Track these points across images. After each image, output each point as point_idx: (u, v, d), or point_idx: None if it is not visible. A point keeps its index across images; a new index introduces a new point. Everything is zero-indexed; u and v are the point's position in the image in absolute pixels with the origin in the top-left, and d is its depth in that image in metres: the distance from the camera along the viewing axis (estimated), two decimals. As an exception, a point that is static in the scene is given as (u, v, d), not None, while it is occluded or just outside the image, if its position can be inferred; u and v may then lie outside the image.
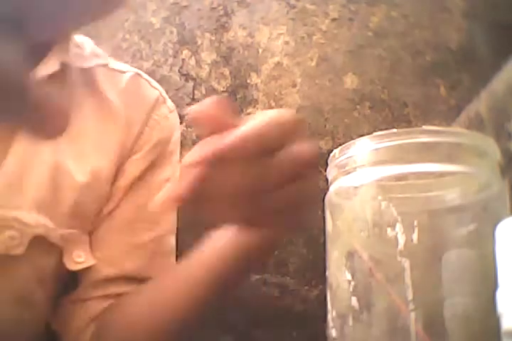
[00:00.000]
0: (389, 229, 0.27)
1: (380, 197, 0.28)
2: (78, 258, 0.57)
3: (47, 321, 0.59)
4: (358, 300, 0.28)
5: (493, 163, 0.31)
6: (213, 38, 0.88)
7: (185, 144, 0.77)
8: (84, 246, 0.58)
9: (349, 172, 0.31)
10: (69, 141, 0.57)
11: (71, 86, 0.59)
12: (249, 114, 0.86)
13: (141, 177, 0.62)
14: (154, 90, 0.67)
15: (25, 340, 0.56)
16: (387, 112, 0.84)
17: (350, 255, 0.29)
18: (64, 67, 0.57)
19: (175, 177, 0.66)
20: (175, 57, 0.89)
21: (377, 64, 0.86)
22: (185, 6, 0.90)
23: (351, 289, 0.28)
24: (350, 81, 0.86)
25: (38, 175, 0.54)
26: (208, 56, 0.88)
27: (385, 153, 0.29)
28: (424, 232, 0.27)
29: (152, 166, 0.63)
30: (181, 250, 0.67)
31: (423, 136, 0.29)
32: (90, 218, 0.59)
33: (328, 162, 0.32)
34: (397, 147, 0.29)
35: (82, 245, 0.58)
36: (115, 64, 0.66)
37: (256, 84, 0.87)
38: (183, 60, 0.89)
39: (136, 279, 0.60)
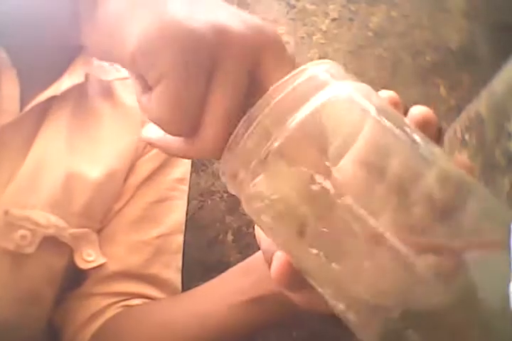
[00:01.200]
0: (313, 186, 0.27)
1: (293, 165, 0.28)
2: (88, 257, 0.58)
3: (49, 316, 0.60)
4: (338, 263, 0.27)
5: None
6: (213, 38, 0.88)
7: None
8: (94, 245, 0.59)
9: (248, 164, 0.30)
10: (86, 144, 0.58)
11: (91, 94, 0.60)
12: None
13: (150, 177, 0.63)
14: None
15: (28, 335, 0.57)
16: (387, 112, 0.84)
17: (301, 230, 0.28)
18: (87, 78, 0.58)
19: (187, 177, 0.67)
20: (175, 57, 0.89)
21: (377, 64, 0.86)
22: (185, 6, 0.90)
23: (324, 259, 0.27)
24: (350, 81, 0.86)
25: (54, 176, 0.55)
26: (207, 56, 0.88)
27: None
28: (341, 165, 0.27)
29: (162, 166, 0.64)
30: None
31: None
32: (100, 217, 0.60)
33: None
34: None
35: (92, 243, 0.59)
36: None
37: (256, 84, 0.87)
38: (183, 59, 0.89)
39: (140, 277, 0.61)
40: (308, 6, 0.88)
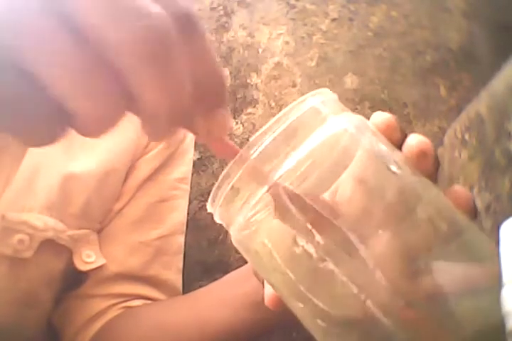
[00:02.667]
0: (296, 249, 0.27)
1: (262, 223, 0.28)
2: (88, 259, 0.58)
3: (49, 317, 0.59)
4: (323, 320, 0.27)
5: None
6: (213, 38, 0.88)
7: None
8: (93, 246, 0.58)
9: (231, 220, 0.29)
10: (83, 144, 0.57)
11: None
12: (249, 114, 0.86)
13: (151, 177, 0.62)
14: None
15: (26, 336, 0.56)
16: (387, 112, 0.84)
17: (286, 286, 0.28)
18: None
19: (188, 177, 0.66)
20: (175, 57, 0.89)
21: (377, 64, 0.86)
22: (185, 6, 0.90)
23: (310, 314, 0.28)
24: (350, 81, 0.86)
25: (51, 178, 0.54)
26: (208, 56, 0.88)
27: (239, 187, 0.28)
28: (321, 229, 0.27)
29: (164, 165, 0.63)
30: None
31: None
32: (100, 217, 0.59)
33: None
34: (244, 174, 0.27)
35: (91, 244, 0.58)
36: None
37: (256, 84, 0.87)
38: (183, 60, 0.89)
39: (141, 278, 0.60)
40: (308, 6, 0.88)
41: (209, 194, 0.29)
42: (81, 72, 0.22)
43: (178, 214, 0.65)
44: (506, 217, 0.27)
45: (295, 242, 0.27)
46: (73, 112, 0.23)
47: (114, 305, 0.59)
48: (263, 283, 0.34)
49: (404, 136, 0.32)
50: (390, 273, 0.26)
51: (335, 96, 0.30)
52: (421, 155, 0.30)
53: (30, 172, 0.53)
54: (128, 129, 0.60)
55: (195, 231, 0.79)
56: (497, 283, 0.24)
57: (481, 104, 0.54)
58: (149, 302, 0.60)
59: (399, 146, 0.31)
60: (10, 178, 0.53)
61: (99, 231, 0.60)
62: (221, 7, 0.89)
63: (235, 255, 0.81)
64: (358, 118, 0.29)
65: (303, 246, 0.27)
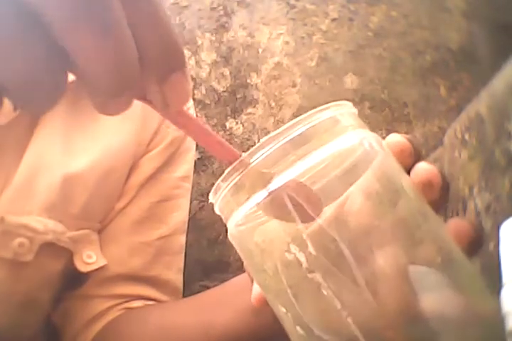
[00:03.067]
0: (287, 254, 0.27)
1: (260, 224, 0.28)
2: (89, 259, 0.57)
3: (48, 316, 0.59)
4: (303, 328, 0.27)
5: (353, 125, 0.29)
6: (213, 38, 0.88)
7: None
8: (94, 246, 0.58)
9: (229, 214, 0.29)
10: (83, 143, 0.56)
11: None
12: (249, 114, 0.86)
13: (154, 175, 0.62)
14: None
15: (25, 337, 0.56)
16: (387, 112, 0.84)
17: (272, 288, 0.28)
18: None
19: (190, 175, 0.66)
20: (175, 57, 0.89)
21: (377, 64, 0.86)
22: (185, 6, 0.90)
23: (291, 320, 0.28)
24: (350, 81, 0.86)
25: (50, 179, 0.54)
26: (207, 56, 0.88)
27: (244, 184, 0.28)
28: (317, 240, 0.27)
29: (166, 164, 0.63)
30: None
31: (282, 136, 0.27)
32: (100, 217, 0.59)
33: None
34: (250, 172, 0.27)
35: (92, 245, 0.57)
36: None
37: (256, 84, 0.87)
38: (183, 60, 0.89)
39: (142, 279, 0.60)
40: (308, 6, 0.88)
41: (209, 194, 0.30)
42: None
43: (180, 213, 0.64)
44: (506, 217, 0.27)
45: (288, 248, 0.27)
46: (73, 52, 0.21)
47: (115, 305, 0.59)
48: (252, 281, 0.34)
49: (416, 160, 0.31)
50: (378, 293, 0.26)
51: (355, 110, 0.30)
52: (427, 184, 0.30)
53: (30, 173, 0.53)
54: (129, 127, 0.60)
55: (195, 231, 0.79)
56: (480, 320, 0.25)
57: (481, 104, 0.54)
58: (150, 302, 0.60)
59: (408, 170, 0.31)
60: (9, 179, 0.52)
61: (99, 231, 0.59)
62: (221, 7, 0.89)
63: (235, 255, 0.81)
64: (374, 136, 0.29)
65: (295, 254, 0.27)
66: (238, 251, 0.30)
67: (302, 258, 0.26)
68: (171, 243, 0.63)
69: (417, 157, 0.32)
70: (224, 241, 0.82)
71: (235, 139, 0.85)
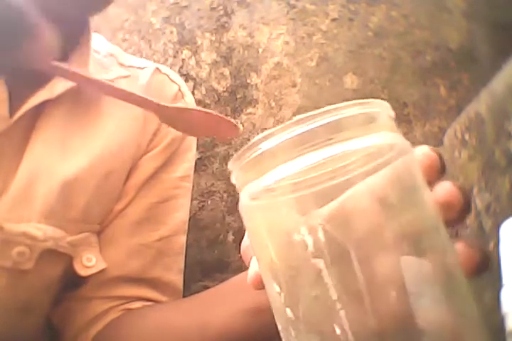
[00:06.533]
0: (295, 234, 0.27)
1: (283, 207, 0.27)
2: (88, 262, 0.56)
3: (48, 318, 0.59)
4: (292, 311, 0.27)
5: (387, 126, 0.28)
6: (213, 38, 0.88)
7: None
8: (94, 248, 0.57)
9: (245, 184, 0.29)
10: (81, 147, 0.55)
11: (89, 95, 0.57)
12: (249, 114, 0.86)
13: (154, 176, 0.61)
14: (173, 85, 0.65)
15: (26, 339, 0.56)
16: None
17: (271, 267, 0.28)
18: None
19: (190, 174, 0.66)
20: (175, 57, 0.89)
21: (377, 64, 0.86)
22: (185, 6, 0.90)
23: (283, 300, 0.27)
24: (350, 81, 0.86)
25: (49, 185, 0.53)
26: (208, 56, 0.88)
27: (267, 157, 0.27)
28: (330, 228, 0.26)
29: (166, 164, 0.62)
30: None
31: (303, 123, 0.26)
32: (99, 219, 0.58)
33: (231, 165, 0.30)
34: (276, 147, 0.26)
35: (92, 247, 0.57)
36: (131, 60, 0.65)
37: (256, 84, 0.87)
38: (183, 60, 0.89)
39: (141, 280, 0.60)
40: (308, 6, 0.88)
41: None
42: None
43: (180, 213, 0.64)
44: (506, 217, 0.27)
45: (298, 229, 0.26)
46: None
47: (114, 307, 0.59)
48: (249, 264, 0.33)
49: (440, 177, 0.31)
50: (376, 297, 0.26)
51: (393, 113, 0.29)
52: (445, 205, 0.29)
53: (28, 180, 0.52)
54: (128, 128, 0.59)
55: (195, 231, 0.79)
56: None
57: (481, 104, 0.54)
58: (149, 303, 0.60)
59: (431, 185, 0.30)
60: (6, 187, 0.51)
61: (99, 233, 0.59)
62: (221, 7, 0.89)
63: (234, 255, 0.81)
64: (407, 144, 0.28)
65: (303, 236, 0.26)
66: (245, 223, 0.30)
67: (310, 241, 0.26)
68: (171, 244, 0.62)
69: (442, 174, 0.31)
70: (224, 241, 0.82)
71: (235, 139, 0.85)
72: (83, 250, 0.56)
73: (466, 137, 0.57)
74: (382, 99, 0.28)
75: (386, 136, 0.27)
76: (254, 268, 0.32)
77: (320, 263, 0.26)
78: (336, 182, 0.26)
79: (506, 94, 0.50)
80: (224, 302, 0.54)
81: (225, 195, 0.81)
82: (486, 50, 0.86)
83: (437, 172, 0.30)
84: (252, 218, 0.29)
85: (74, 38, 0.54)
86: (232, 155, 0.85)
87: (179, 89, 0.65)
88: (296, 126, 0.26)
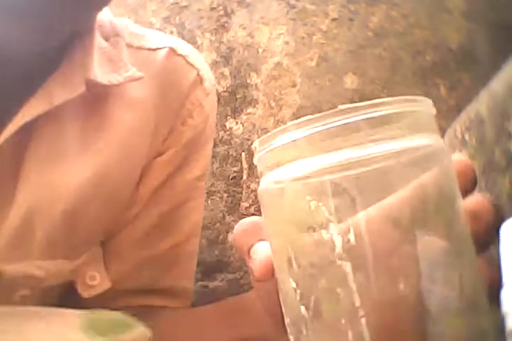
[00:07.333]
0: (323, 232, 0.25)
1: (308, 197, 0.25)
2: (92, 281, 0.51)
3: None
4: (307, 309, 0.26)
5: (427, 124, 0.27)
6: (213, 38, 0.88)
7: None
8: (98, 263, 0.52)
9: (272, 168, 0.27)
10: (85, 162, 0.48)
11: (94, 103, 0.48)
12: (249, 114, 0.86)
13: (167, 181, 0.54)
14: (191, 69, 0.56)
15: None
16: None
17: (290, 261, 0.26)
18: (88, 86, 0.46)
19: (206, 173, 0.59)
20: (175, 57, 0.89)
21: (377, 64, 0.86)
22: (185, 6, 0.90)
23: (298, 297, 0.26)
24: (350, 81, 0.86)
25: (49, 215, 0.46)
26: (208, 56, 0.88)
27: (304, 144, 0.25)
28: (361, 231, 0.25)
29: (180, 166, 0.55)
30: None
31: (344, 116, 0.25)
32: (105, 234, 0.53)
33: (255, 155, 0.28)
34: (315, 135, 0.25)
35: (95, 261, 0.51)
36: (140, 37, 0.54)
37: (256, 84, 0.87)
38: (183, 60, 0.89)
39: (152, 291, 0.56)
40: (308, 6, 0.88)
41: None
42: None
43: (194, 216, 0.57)
44: (506, 217, 0.27)
45: (327, 227, 0.25)
46: None
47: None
48: (247, 251, 0.31)
49: (472, 188, 0.29)
50: (400, 311, 0.25)
51: (434, 111, 0.29)
52: (472, 216, 0.27)
53: (25, 213, 0.45)
54: (139, 135, 0.52)
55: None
56: None
57: (481, 104, 0.54)
58: (153, 309, 0.55)
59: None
60: (2, 221, 0.44)
61: (103, 242, 0.53)
62: (221, 7, 0.89)
63: (234, 255, 0.81)
64: (446, 149, 0.28)
65: (332, 235, 0.25)
66: (265, 209, 0.28)
67: (339, 242, 0.25)
68: (184, 250, 0.57)
69: (475, 185, 0.29)
70: (224, 241, 0.82)
71: (235, 139, 0.85)
72: (86, 268, 0.51)
73: (466, 137, 0.57)
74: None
75: (428, 137, 0.26)
76: (263, 256, 0.29)
77: (346, 266, 0.25)
78: (374, 182, 0.25)
79: (506, 94, 0.50)
80: (218, 328, 0.50)
81: (225, 195, 0.81)
82: (486, 50, 0.86)
83: (471, 182, 0.29)
84: (275, 205, 0.27)
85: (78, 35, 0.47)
86: (232, 155, 0.85)
87: (197, 73, 0.56)
88: (337, 117, 0.25)
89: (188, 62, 0.56)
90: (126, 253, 0.54)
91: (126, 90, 0.51)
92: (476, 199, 0.29)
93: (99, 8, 0.45)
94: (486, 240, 0.28)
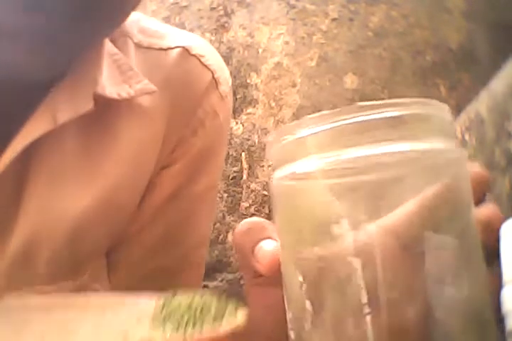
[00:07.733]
0: (335, 227, 0.25)
1: (321, 192, 0.25)
2: None
3: None
4: (312, 304, 0.25)
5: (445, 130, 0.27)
6: (213, 38, 0.88)
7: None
8: (101, 277, 0.49)
9: (286, 163, 0.26)
10: (90, 181, 0.45)
11: (102, 119, 0.44)
12: (249, 114, 0.86)
13: (177, 192, 0.51)
14: (205, 71, 0.51)
15: None
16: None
17: (299, 253, 0.26)
18: (97, 101, 0.42)
19: (218, 183, 0.56)
20: (175, 57, 0.89)
21: (377, 64, 0.86)
22: (185, 6, 0.90)
23: (304, 292, 0.26)
24: (350, 81, 0.86)
25: (53, 241, 0.43)
26: (208, 56, 0.88)
27: (321, 139, 0.25)
28: (376, 231, 0.25)
29: (189, 178, 0.51)
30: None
31: (363, 113, 0.24)
32: (109, 248, 0.50)
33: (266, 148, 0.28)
34: (333, 130, 0.25)
35: (99, 276, 0.49)
36: (150, 36, 0.49)
37: (256, 84, 0.87)
38: (183, 60, 0.89)
39: None
40: (308, 6, 0.88)
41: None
42: None
43: (202, 227, 0.54)
44: (506, 217, 0.27)
45: (339, 222, 0.25)
46: None
47: None
48: (250, 248, 0.30)
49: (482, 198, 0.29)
50: (405, 310, 0.25)
51: (450, 118, 0.28)
52: (484, 226, 0.27)
53: (28, 240, 0.42)
54: (147, 145, 0.48)
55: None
56: None
57: (481, 104, 0.54)
58: None
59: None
60: (4, 249, 0.42)
61: (108, 253, 0.50)
62: (221, 7, 0.89)
63: (235, 255, 0.81)
64: (464, 153, 0.27)
65: (344, 231, 0.24)
66: (276, 203, 0.27)
67: (350, 238, 0.24)
68: (191, 260, 0.54)
69: (485, 195, 0.29)
70: (224, 241, 0.82)
71: (235, 139, 0.85)
72: (89, 282, 0.47)
73: (466, 137, 0.57)
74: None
75: (445, 141, 0.26)
76: (270, 251, 0.28)
77: (356, 263, 0.24)
78: (387, 183, 0.25)
79: (506, 94, 0.50)
80: None
81: (225, 195, 0.81)
82: (486, 50, 0.86)
83: (483, 192, 0.29)
84: (287, 199, 0.27)
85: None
86: (232, 155, 0.85)
87: (212, 76, 0.51)
88: (355, 113, 0.24)
89: (202, 63, 0.51)
90: (131, 267, 0.51)
91: (135, 100, 0.46)
92: (488, 209, 0.28)
93: (111, 31, 0.42)
94: (497, 250, 0.28)
